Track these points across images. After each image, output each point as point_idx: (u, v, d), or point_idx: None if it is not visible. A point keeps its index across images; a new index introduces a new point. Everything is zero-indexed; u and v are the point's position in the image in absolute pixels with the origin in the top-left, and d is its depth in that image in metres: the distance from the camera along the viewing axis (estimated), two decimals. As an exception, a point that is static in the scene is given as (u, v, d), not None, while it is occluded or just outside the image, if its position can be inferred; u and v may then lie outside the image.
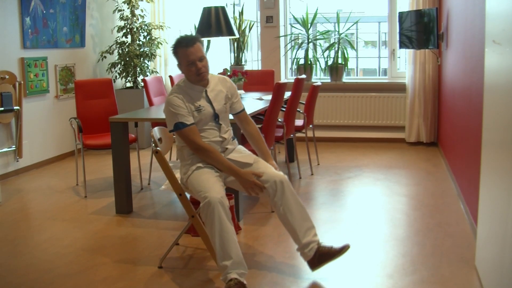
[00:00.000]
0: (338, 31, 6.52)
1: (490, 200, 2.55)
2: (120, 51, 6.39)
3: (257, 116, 4.29)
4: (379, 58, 7.21)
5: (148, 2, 6.62)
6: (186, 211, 2.87)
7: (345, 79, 6.54)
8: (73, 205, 4.28)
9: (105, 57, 6.38)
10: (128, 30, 6.40)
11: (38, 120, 5.56)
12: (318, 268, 2.80)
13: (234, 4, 6.73)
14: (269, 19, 6.61)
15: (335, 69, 6.48)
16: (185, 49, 2.78)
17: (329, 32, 6.68)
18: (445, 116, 5.40)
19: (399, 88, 6.34)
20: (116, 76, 6.47)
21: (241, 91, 5.18)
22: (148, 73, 6.52)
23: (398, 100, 6.35)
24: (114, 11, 6.45)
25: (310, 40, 6.58)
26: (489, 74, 2.63)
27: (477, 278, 2.71)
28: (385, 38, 6.72)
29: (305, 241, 2.77)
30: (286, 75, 6.90)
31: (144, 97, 6.22)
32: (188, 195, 3.00)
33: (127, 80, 6.56)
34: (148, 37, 6.48)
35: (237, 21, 6.64)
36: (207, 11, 5.26)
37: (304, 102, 5.09)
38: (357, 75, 7.37)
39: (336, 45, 6.52)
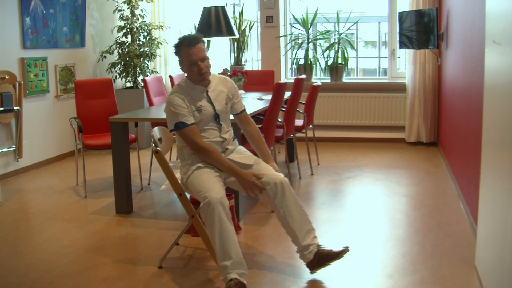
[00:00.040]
0: (338, 31, 6.52)
1: (490, 200, 2.55)
2: (120, 51, 6.39)
3: (257, 116, 4.29)
4: (379, 58, 7.21)
5: (148, 2, 6.62)
6: (186, 211, 2.87)
7: (345, 79, 6.54)
8: (73, 205, 4.28)
9: (105, 57, 6.38)
10: (128, 30, 6.40)
11: (38, 120, 5.56)
12: (317, 271, 2.81)
13: (234, 4, 6.74)
14: (269, 19, 6.61)
15: (335, 69, 6.48)
16: (188, 49, 2.78)
17: (329, 32, 6.68)
18: (445, 116, 5.40)
19: (399, 88, 6.35)
20: (116, 76, 6.47)
21: (241, 91, 5.18)
22: (148, 73, 6.52)
23: (398, 100, 6.35)
24: (114, 11, 6.45)
25: (310, 40, 6.58)
26: (489, 74, 2.63)
27: (477, 278, 2.71)
28: (385, 38, 6.72)
29: (305, 244, 2.77)
30: (286, 75, 6.90)
31: (144, 97, 6.22)
32: (188, 195, 3.00)
33: (127, 80, 6.56)
34: (148, 37, 6.48)
35: (237, 21, 6.64)
36: (207, 11, 5.27)
37: (304, 102, 5.09)
38: (357, 75, 7.37)
39: (336, 45, 6.52)
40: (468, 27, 3.81)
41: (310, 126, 5.28)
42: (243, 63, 6.75)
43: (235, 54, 6.75)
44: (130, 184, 3.99)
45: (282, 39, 6.72)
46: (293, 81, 4.50)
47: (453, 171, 4.60)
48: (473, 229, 3.29)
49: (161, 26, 6.62)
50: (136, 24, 6.41)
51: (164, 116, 2.93)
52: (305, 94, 5.28)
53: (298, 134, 5.16)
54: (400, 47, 6.01)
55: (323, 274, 2.81)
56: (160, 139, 3.04)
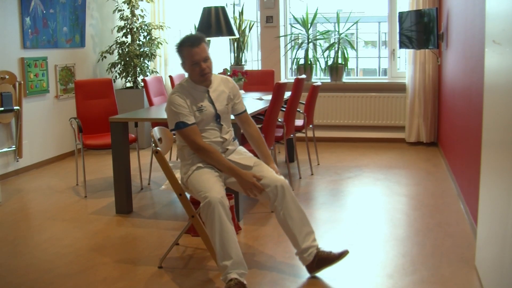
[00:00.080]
0: (338, 31, 6.52)
1: (490, 200, 2.55)
2: (120, 51, 6.39)
3: (257, 116, 4.30)
4: (379, 58, 7.21)
5: (148, 2, 6.62)
6: (186, 211, 2.87)
7: (345, 79, 6.54)
8: (73, 205, 4.28)
9: (105, 57, 6.38)
10: (128, 30, 6.40)
11: (38, 120, 5.56)
12: (317, 272, 2.81)
13: (234, 4, 6.74)
14: (269, 19, 6.61)
15: (335, 69, 6.48)
16: (190, 48, 2.78)
17: (329, 32, 6.68)
18: (445, 116, 5.40)
19: (399, 88, 6.35)
20: (116, 76, 6.47)
21: (241, 91, 5.18)
22: (148, 73, 6.52)
23: (398, 100, 6.35)
24: (114, 11, 6.45)
25: (310, 40, 6.58)
26: (489, 74, 2.63)
27: (477, 278, 2.72)
28: (385, 38, 6.72)
29: (304, 246, 2.77)
30: (286, 75, 6.90)
31: (144, 97, 6.22)
32: (188, 195, 3.00)
33: (127, 80, 6.56)
34: (148, 37, 6.48)
35: (237, 21, 6.64)
36: (207, 11, 5.27)
37: (304, 102, 5.09)
38: (357, 75, 7.37)
39: (336, 45, 6.52)
40: (468, 27, 3.81)
41: (310, 126, 5.28)
42: (243, 63, 6.75)
43: (235, 54, 6.75)
44: (130, 184, 3.99)
45: (282, 39, 6.72)
46: (293, 81, 4.51)
47: (453, 171, 4.60)
48: (473, 229, 3.29)
49: (161, 26, 6.62)
50: (136, 24, 6.42)
51: (164, 116, 2.93)
52: (305, 94, 5.28)
53: (298, 134, 5.16)
54: (400, 47, 6.01)
55: (323, 274, 2.81)
56: (160, 139, 3.04)
